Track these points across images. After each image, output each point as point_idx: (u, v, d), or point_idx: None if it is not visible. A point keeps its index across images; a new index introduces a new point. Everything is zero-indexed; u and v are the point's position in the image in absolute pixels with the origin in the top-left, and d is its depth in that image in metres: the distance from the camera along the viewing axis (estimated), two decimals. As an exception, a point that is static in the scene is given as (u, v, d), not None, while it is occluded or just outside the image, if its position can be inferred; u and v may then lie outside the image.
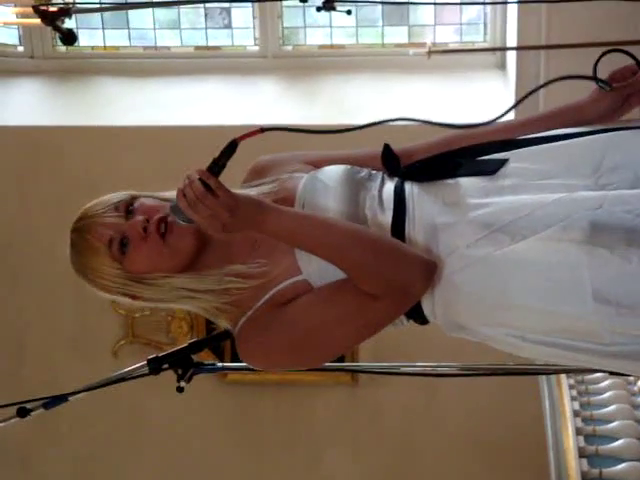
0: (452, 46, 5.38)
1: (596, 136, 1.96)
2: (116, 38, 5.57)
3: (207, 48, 5.54)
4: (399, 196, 1.96)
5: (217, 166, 1.88)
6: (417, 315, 1.95)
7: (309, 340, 1.92)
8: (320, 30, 5.50)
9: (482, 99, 5.22)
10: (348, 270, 1.88)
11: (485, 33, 5.36)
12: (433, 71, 5.23)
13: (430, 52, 4.83)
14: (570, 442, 3.89)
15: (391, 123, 2.06)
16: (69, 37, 4.67)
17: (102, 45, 5.56)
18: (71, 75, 5.49)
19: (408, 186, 1.98)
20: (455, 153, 2.03)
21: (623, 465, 3.85)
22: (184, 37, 5.54)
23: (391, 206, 1.95)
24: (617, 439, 3.93)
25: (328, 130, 2.00)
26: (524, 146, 2.00)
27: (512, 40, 5.06)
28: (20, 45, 5.56)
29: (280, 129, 1.95)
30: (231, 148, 1.89)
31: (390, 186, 2.00)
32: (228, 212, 1.83)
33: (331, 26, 5.47)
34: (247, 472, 5.47)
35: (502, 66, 5.31)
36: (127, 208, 2.02)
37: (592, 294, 1.79)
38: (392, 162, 2.06)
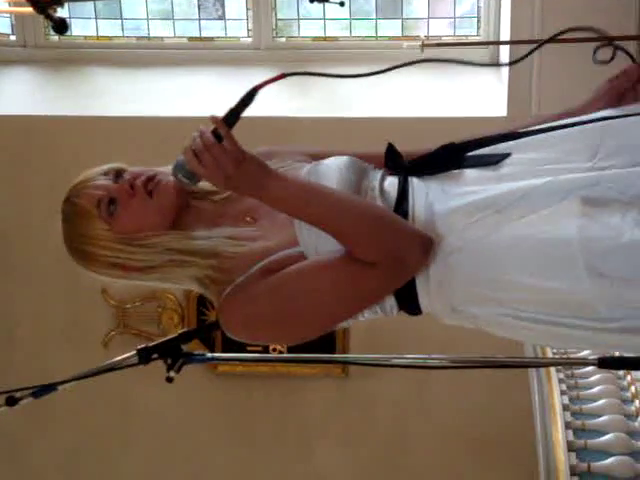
0: (446, 40, 5.38)
1: (593, 124, 1.97)
2: (109, 28, 5.56)
3: (200, 39, 5.53)
4: (402, 187, 1.98)
5: (233, 116, 1.86)
6: (410, 302, 1.94)
7: (296, 307, 1.89)
8: (314, 22, 5.50)
9: (475, 93, 5.22)
10: (345, 237, 1.87)
11: (479, 27, 5.37)
12: (426, 65, 5.22)
13: (424, 45, 4.83)
14: (559, 436, 3.89)
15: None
16: (61, 26, 4.66)
17: (95, 35, 5.55)
18: (64, 65, 5.48)
19: (410, 179, 2.00)
20: (456, 147, 2.04)
21: (611, 459, 3.86)
22: (177, 28, 5.54)
23: (393, 195, 1.96)
24: (606, 433, 3.94)
25: (352, 74, 2.01)
26: (521, 137, 2.02)
27: (505, 34, 5.06)
28: (12, 34, 5.54)
29: (302, 74, 1.96)
30: (250, 96, 1.88)
31: (392, 179, 2.02)
32: (234, 164, 1.83)
33: (325, 18, 5.46)
34: (238, 463, 5.47)
35: (495, 60, 5.31)
36: (116, 174, 2.05)
37: (586, 268, 1.80)
38: (395, 159, 2.07)
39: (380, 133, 5.23)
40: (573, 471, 3.80)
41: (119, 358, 2.84)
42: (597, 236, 1.80)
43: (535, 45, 2.15)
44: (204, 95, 5.29)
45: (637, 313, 1.82)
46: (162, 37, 5.55)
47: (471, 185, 1.93)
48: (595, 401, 4.09)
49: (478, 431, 5.27)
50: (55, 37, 5.46)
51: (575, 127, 1.99)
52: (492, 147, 2.02)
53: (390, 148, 2.08)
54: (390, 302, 1.94)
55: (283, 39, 5.49)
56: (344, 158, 2.04)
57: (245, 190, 1.88)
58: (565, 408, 4.02)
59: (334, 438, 5.46)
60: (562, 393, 4.07)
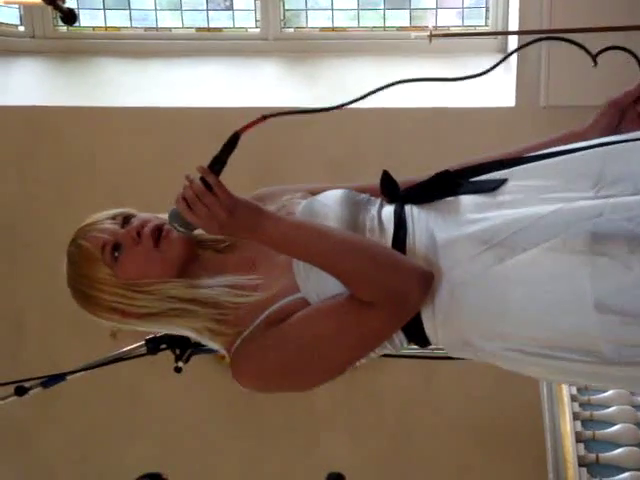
0: (454, 30, 5.37)
1: (594, 150, 1.94)
2: (117, 19, 5.55)
3: (208, 30, 5.52)
4: (399, 216, 1.96)
5: (218, 163, 1.86)
6: (418, 335, 1.94)
7: (305, 356, 1.89)
8: (322, 13, 5.49)
9: (483, 83, 5.21)
10: (345, 277, 1.86)
11: (487, 17, 5.35)
12: (434, 55, 5.22)
13: (432, 35, 4.82)
14: (567, 427, 3.89)
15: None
16: (69, 16, 4.67)
17: (103, 26, 5.55)
18: (72, 55, 5.48)
19: (408, 207, 1.98)
20: (454, 174, 2.02)
21: (620, 450, 3.86)
22: (185, 18, 5.53)
23: (391, 225, 1.95)
24: (614, 424, 3.94)
25: (328, 107, 1.99)
26: (521, 164, 1.99)
27: (514, 24, 5.05)
28: (21, 25, 5.54)
29: (282, 114, 1.94)
30: (233, 141, 1.87)
31: (389, 208, 2.00)
32: (226, 212, 1.83)
33: (333, 9, 5.45)
34: (245, 454, 5.48)
35: (503, 50, 5.30)
36: (124, 219, 2.03)
37: (594, 305, 1.78)
38: (391, 187, 2.05)
39: (388, 123, 5.24)
40: (581, 462, 3.80)
41: (128, 348, 2.85)
42: (606, 272, 1.77)
43: (506, 55, 2.14)
44: (212, 86, 5.29)
45: None
46: (170, 28, 5.54)
47: (471, 213, 1.91)
48: (603, 392, 4.09)
49: (486, 422, 5.28)
50: (63, 28, 5.46)
51: (574, 153, 1.95)
52: (489, 174, 1.99)
53: (385, 176, 2.06)
54: (399, 337, 1.94)
55: (291, 29, 5.48)
56: (339, 192, 2.03)
57: (241, 234, 1.89)
58: (573, 399, 4.02)
59: (341, 430, 5.46)
60: (570, 384, 4.07)
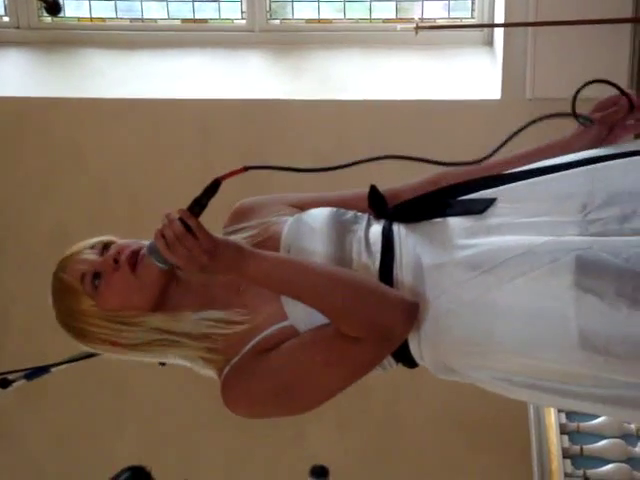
0: (440, 22, 5.36)
1: (582, 169, 1.93)
2: (102, 9, 5.53)
3: (194, 21, 5.50)
4: (386, 238, 1.95)
5: (198, 205, 1.85)
6: (405, 358, 1.95)
7: (293, 386, 1.90)
8: (308, 4, 5.48)
9: (469, 75, 5.21)
10: (329, 313, 1.86)
11: (473, 9, 5.34)
12: (420, 46, 5.22)
13: (418, 28, 4.82)
14: (552, 419, 3.91)
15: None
16: (54, 7, 4.65)
17: (88, 16, 5.52)
18: (57, 46, 5.46)
19: (395, 227, 1.97)
20: (442, 192, 2.01)
21: (604, 442, 3.88)
22: (171, 9, 5.51)
23: (378, 249, 1.94)
24: (598, 416, 3.95)
25: (313, 169, 1.97)
26: (510, 181, 1.97)
27: (500, 16, 5.05)
28: (5, 15, 5.51)
29: (264, 168, 1.93)
30: (214, 187, 1.86)
31: (377, 228, 1.99)
32: (207, 255, 1.81)
33: (319, 0, 5.44)
34: (230, 447, 5.48)
35: (489, 42, 5.30)
36: (103, 247, 2.00)
37: (579, 341, 1.77)
38: (378, 203, 2.04)
39: (374, 116, 5.23)
40: (566, 454, 3.82)
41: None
42: (592, 311, 1.76)
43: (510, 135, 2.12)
44: (198, 77, 5.28)
45: (628, 389, 1.80)
46: (156, 19, 5.52)
47: (460, 238, 1.90)
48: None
49: (471, 415, 5.28)
50: (48, 18, 5.44)
51: (563, 171, 1.94)
52: (477, 193, 1.97)
53: (372, 191, 2.05)
54: (388, 360, 1.96)
55: (277, 21, 5.46)
56: (325, 212, 2.01)
57: (223, 274, 1.88)
58: (558, 391, 4.02)
59: (327, 421, 5.46)
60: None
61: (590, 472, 3.77)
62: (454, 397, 5.32)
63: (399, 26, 5.00)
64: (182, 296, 1.98)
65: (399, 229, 1.96)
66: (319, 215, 2.00)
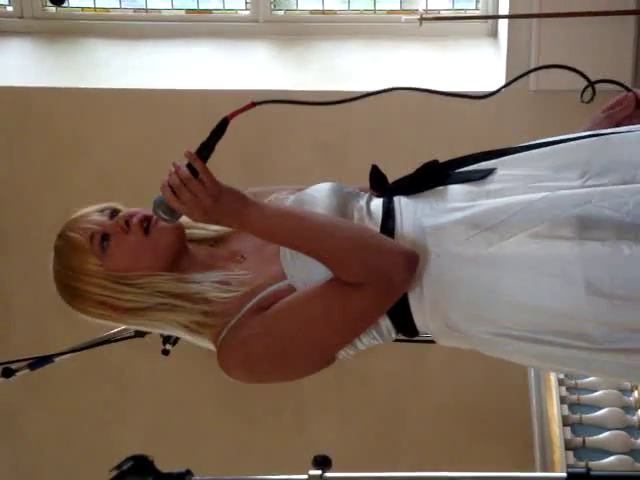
0: (444, 13, 5.35)
1: (582, 141, 1.95)
2: (106, 0, 5.53)
3: (198, 11, 5.50)
4: (387, 206, 1.97)
5: (206, 148, 1.86)
6: (406, 323, 1.94)
7: (292, 341, 1.89)
8: (312, -5, 5.48)
9: (473, 67, 5.21)
10: (330, 259, 1.86)
11: (477, 1, 5.34)
12: (425, 38, 5.21)
13: (422, 19, 4.81)
14: (554, 410, 3.91)
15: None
16: (58, -3, 4.64)
17: (92, 7, 5.52)
18: (61, 36, 5.46)
19: (396, 198, 1.99)
20: (442, 165, 2.03)
21: (606, 434, 3.88)
22: (175, 0, 5.50)
23: (379, 215, 1.96)
24: (601, 408, 3.96)
25: (321, 102, 1.99)
26: (509, 154, 2.00)
27: (504, 8, 5.04)
28: (9, 5, 5.51)
29: (272, 102, 1.93)
30: (222, 127, 1.87)
31: (378, 201, 2.01)
32: (211, 198, 1.83)
33: (323, -9, 5.44)
34: (231, 435, 5.49)
35: (494, 34, 5.29)
36: (112, 213, 2.02)
37: (585, 287, 1.79)
38: (380, 183, 2.06)
39: (379, 107, 5.23)
40: (568, 445, 3.82)
41: (115, 330, 2.85)
42: (595, 255, 1.79)
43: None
44: (202, 68, 5.28)
45: (636, 336, 1.81)
46: (159, 9, 5.52)
47: (460, 201, 1.92)
48: (590, 376, 4.10)
49: (473, 406, 5.29)
50: (52, 8, 5.43)
51: (563, 144, 1.96)
52: (476, 165, 2.00)
53: (374, 170, 2.07)
54: (386, 324, 1.93)
55: (281, 12, 5.46)
56: (327, 184, 2.04)
57: (225, 222, 1.90)
58: (560, 382, 4.03)
59: (329, 411, 5.47)
60: (557, 371, 4.08)
61: (592, 464, 3.77)
62: (456, 389, 5.33)
63: (403, 17, 4.99)
64: (188, 265, 1.99)
65: (399, 200, 1.99)
66: (321, 188, 2.03)
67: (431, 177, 2.00)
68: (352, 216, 1.97)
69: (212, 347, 1.98)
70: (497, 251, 1.84)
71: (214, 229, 2.06)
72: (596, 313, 1.80)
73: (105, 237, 1.97)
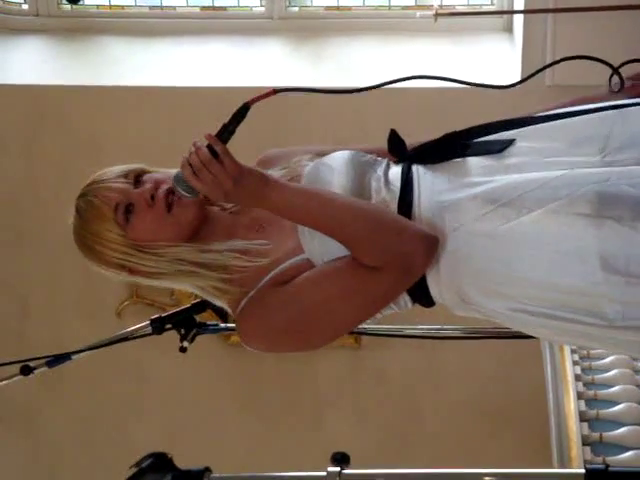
0: (459, 9, 5.35)
1: (602, 113, 1.95)
2: (121, -3, 5.55)
3: (213, 8, 5.51)
4: (406, 176, 1.97)
5: (227, 132, 1.87)
6: (423, 296, 1.95)
7: (310, 317, 1.91)
8: (327, -9, 5.47)
9: (489, 62, 5.19)
10: (349, 242, 1.88)
11: (492, -5, 5.33)
12: (440, 34, 5.20)
13: (437, 15, 4.81)
14: (571, 406, 3.90)
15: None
16: (74, -4, 4.65)
17: (107, 4, 5.54)
18: (76, 34, 5.47)
19: (414, 168, 1.99)
20: (461, 134, 2.03)
21: (623, 429, 3.87)
22: (190, -3, 5.52)
23: (398, 185, 1.95)
24: (618, 403, 3.95)
25: (342, 90, 1.99)
26: (528, 124, 2.00)
27: (519, 3, 5.03)
28: (25, 3, 5.53)
29: (293, 90, 1.94)
30: (242, 112, 1.88)
31: (396, 169, 2.00)
32: (232, 180, 1.84)
33: (337, -13, 5.44)
34: (249, 433, 5.50)
35: (509, 29, 5.28)
36: (136, 177, 2.03)
37: (600, 264, 1.79)
38: (398, 147, 2.06)
39: (393, 102, 5.22)
40: (585, 441, 3.81)
41: (133, 328, 2.85)
42: (612, 233, 1.79)
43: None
44: (216, 65, 5.28)
45: None
46: (174, 6, 5.53)
47: (478, 176, 1.92)
48: (607, 371, 4.10)
49: (490, 402, 5.29)
50: (67, 6, 5.45)
51: (582, 115, 1.96)
52: (496, 135, 2.00)
53: (393, 135, 2.07)
54: (403, 297, 1.95)
55: (296, 8, 5.46)
56: (345, 153, 2.04)
57: (246, 203, 1.92)
58: (577, 378, 4.02)
59: (345, 408, 5.47)
60: (574, 364, 4.07)
61: (610, 459, 3.76)
62: (473, 384, 5.33)
63: (418, 13, 4.99)
64: (208, 235, 2.01)
65: (418, 169, 1.98)
66: (339, 157, 2.03)
67: (451, 147, 2.00)
68: (369, 186, 1.97)
69: (228, 310, 2.00)
70: (513, 227, 1.84)
71: None
72: (611, 291, 1.80)
73: (129, 208, 1.98)
